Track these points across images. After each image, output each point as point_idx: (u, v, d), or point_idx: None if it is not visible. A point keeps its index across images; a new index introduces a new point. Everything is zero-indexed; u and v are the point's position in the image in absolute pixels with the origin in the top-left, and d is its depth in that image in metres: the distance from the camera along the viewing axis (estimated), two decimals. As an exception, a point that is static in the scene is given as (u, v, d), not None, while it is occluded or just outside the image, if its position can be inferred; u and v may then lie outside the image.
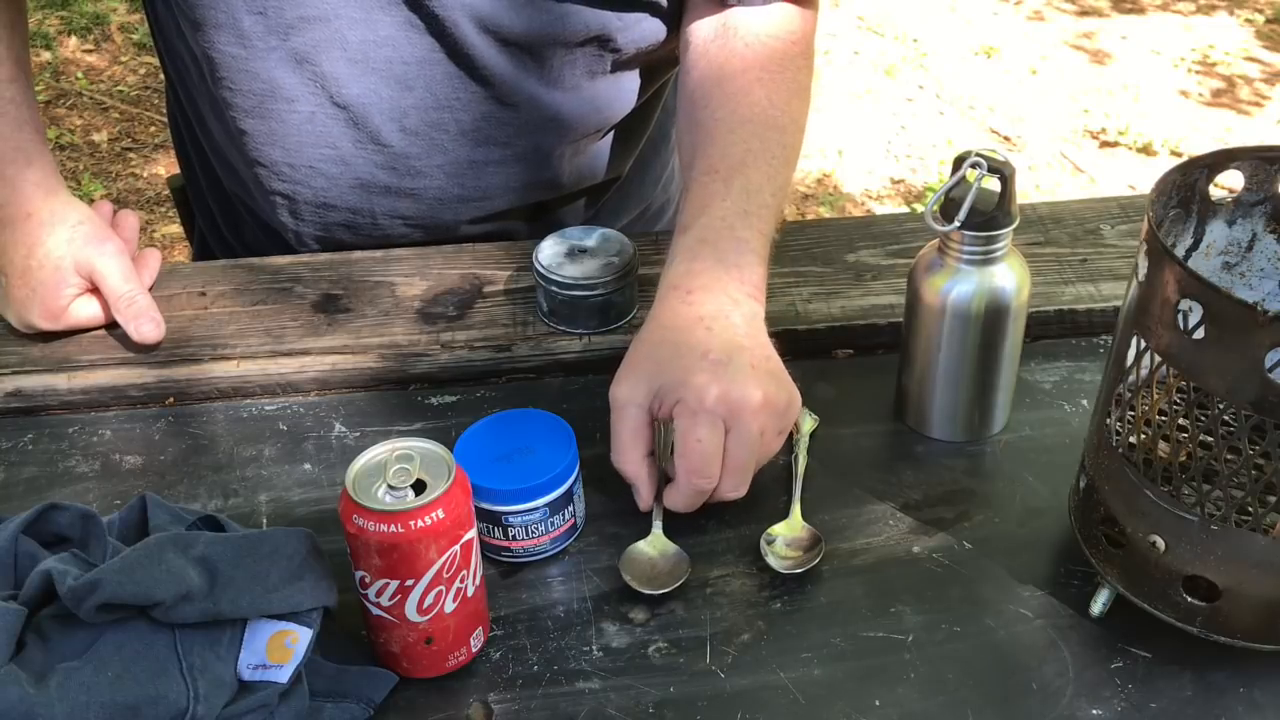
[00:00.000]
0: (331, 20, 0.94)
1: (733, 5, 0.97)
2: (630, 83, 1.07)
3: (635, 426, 0.80)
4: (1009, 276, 0.81)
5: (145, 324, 0.94)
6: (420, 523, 0.65)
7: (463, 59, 0.97)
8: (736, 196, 0.88)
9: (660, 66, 1.10)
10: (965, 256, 0.80)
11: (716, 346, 0.79)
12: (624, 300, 0.96)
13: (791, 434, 0.87)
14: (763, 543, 0.80)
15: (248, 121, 1.00)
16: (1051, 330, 0.97)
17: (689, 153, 0.94)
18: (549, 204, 1.11)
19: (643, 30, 1.01)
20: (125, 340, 0.96)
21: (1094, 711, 0.70)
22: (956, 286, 0.81)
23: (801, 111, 0.97)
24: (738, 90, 0.93)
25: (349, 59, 0.96)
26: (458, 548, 0.68)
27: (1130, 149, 3.17)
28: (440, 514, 0.66)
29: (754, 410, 0.77)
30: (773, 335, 0.84)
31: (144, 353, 0.95)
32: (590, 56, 1.01)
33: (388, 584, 0.67)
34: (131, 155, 3.06)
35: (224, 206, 1.16)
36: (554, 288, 0.94)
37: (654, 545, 0.79)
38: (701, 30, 0.98)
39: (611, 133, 1.10)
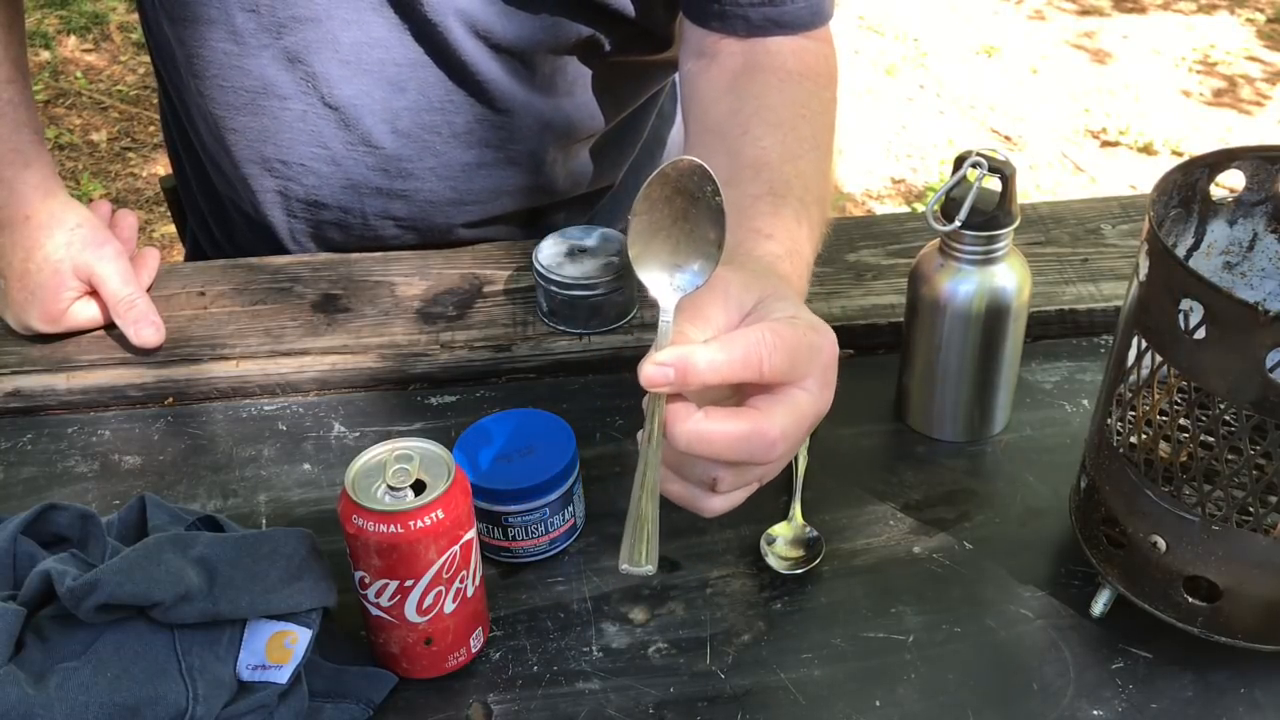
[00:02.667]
0: (324, 21, 0.94)
1: (753, 37, 0.93)
2: (623, 89, 1.07)
3: (729, 307, 0.64)
4: (1010, 276, 0.81)
5: (145, 328, 0.94)
6: (420, 523, 0.65)
7: (454, 62, 0.97)
8: (804, 229, 0.79)
9: (654, 73, 1.10)
10: (966, 256, 0.80)
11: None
12: (624, 300, 0.96)
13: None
14: (763, 543, 0.80)
15: (239, 119, 1.00)
16: (1052, 330, 0.97)
17: (726, 174, 0.83)
18: (542, 209, 1.11)
19: (632, 41, 1.01)
20: (124, 340, 0.96)
21: (1095, 712, 0.70)
22: (957, 286, 0.81)
23: (833, 152, 0.92)
24: (783, 122, 0.87)
25: (341, 60, 0.96)
26: (457, 548, 0.68)
27: (1131, 149, 3.17)
28: (440, 514, 0.66)
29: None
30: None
31: (143, 353, 0.95)
32: (580, 63, 1.01)
33: (387, 584, 0.67)
34: (130, 155, 3.06)
35: (214, 206, 1.15)
36: (554, 288, 0.94)
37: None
38: (725, 62, 0.93)
39: (605, 139, 1.10)
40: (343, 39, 0.95)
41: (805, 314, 0.65)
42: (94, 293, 0.96)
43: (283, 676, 0.67)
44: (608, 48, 1.00)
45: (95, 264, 0.95)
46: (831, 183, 0.89)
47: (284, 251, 1.09)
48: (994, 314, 0.81)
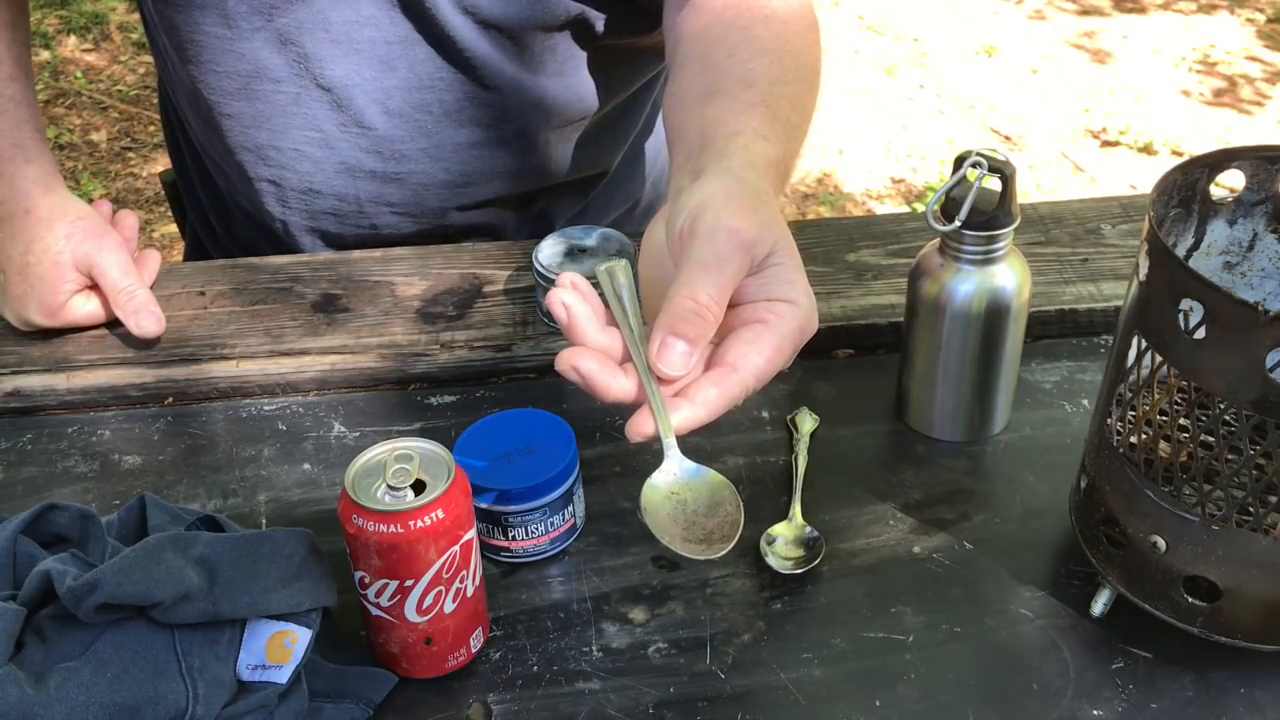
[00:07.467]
0: (314, 1, 0.94)
1: None
2: (615, 72, 1.07)
3: (742, 267, 0.62)
4: (1010, 276, 0.81)
5: (145, 318, 0.94)
6: (420, 523, 0.65)
7: (444, 40, 0.97)
8: (792, 148, 0.77)
9: (646, 59, 1.10)
10: (966, 256, 0.80)
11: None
12: (624, 300, 0.96)
13: (791, 434, 0.87)
14: (763, 543, 0.80)
15: (233, 104, 1.00)
16: (1052, 330, 0.97)
17: (712, 88, 0.81)
18: (536, 195, 1.11)
19: (623, 20, 1.01)
20: (124, 340, 0.96)
21: (1095, 712, 0.70)
22: (957, 286, 0.81)
23: (816, 92, 0.89)
24: (769, 50, 0.84)
25: (331, 40, 0.96)
26: (457, 548, 0.68)
27: (1131, 148, 3.17)
28: (440, 514, 0.66)
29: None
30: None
31: (143, 352, 0.95)
32: (570, 42, 1.01)
33: (387, 584, 0.67)
34: (130, 155, 3.06)
35: (215, 201, 1.16)
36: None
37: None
38: (709, 3, 0.90)
39: (598, 124, 1.10)
40: (333, 18, 0.95)
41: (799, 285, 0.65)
42: (94, 287, 0.96)
43: (283, 676, 0.67)
44: (599, 28, 1.00)
45: (95, 255, 0.95)
46: (810, 121, 0.85)
47: (282, 245, 1.09)
48: (994, 314, 0.81)
